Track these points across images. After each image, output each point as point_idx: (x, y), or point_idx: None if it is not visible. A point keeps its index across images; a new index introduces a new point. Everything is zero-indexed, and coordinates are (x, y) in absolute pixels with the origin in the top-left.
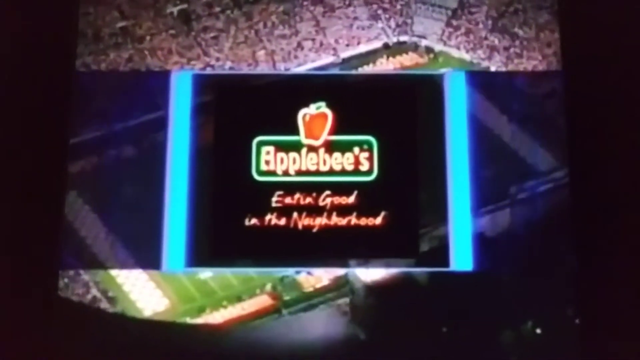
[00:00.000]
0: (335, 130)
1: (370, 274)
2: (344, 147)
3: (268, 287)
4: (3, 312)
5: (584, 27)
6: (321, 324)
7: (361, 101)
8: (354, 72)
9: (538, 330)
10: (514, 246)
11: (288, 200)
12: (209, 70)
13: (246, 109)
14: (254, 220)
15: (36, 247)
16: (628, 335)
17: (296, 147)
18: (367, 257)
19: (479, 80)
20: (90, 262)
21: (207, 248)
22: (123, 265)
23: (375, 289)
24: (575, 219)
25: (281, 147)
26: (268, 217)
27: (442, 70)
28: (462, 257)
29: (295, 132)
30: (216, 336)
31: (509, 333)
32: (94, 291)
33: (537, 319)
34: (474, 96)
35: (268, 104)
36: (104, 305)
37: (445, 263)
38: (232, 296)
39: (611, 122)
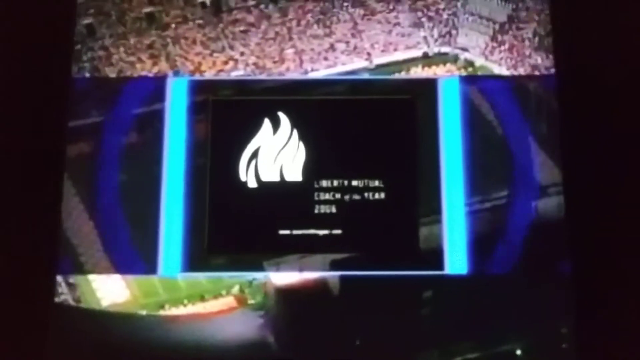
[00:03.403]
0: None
1: (283, 277)
2: None
3: (235, 289)
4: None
5: (577, 30)
6: (236, 326)
7: (358, 106)
8: (348, 77)
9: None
10: (508, 250)
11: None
12: (200, 77)
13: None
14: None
15: (33, 253)
16: (625, 341)
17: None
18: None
19: (474, 84)
20: (86, 268)
21: (203, 253)
22: (118, 270)
23: (287, 294)
24: (570, 224)
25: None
26: None
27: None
28: (456, 261)
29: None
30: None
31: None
32: None
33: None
34: (469, 100)
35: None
36: (62, 289)
37: (440, 266)
38: (196, 295)
39: (606, 124)
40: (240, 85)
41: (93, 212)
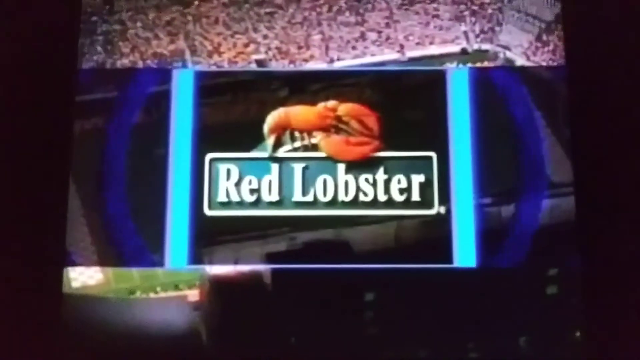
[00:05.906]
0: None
1: (217, 269)
2: None
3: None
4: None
5: (588, 21)
6: (169, 313)
7: (364, 99)
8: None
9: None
10: (516, 245)
11: None
12: (212, 68)
13: None
14: None
15: (40, 244)
16: (632, 336)
17: None
18: None
19: (484, 75)
20: (94, 260)
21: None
22: (125, 263)
23: (222, 286)
24: (580, 219)
25: None
26: None
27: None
28: (465, 254)
29: None
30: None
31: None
32: None
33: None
34: (478, 92)
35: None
36: None
37: (449, 259)
38: (170, 283)
39: (617, 121)
40: (249, 76)
41: (96, 201)
